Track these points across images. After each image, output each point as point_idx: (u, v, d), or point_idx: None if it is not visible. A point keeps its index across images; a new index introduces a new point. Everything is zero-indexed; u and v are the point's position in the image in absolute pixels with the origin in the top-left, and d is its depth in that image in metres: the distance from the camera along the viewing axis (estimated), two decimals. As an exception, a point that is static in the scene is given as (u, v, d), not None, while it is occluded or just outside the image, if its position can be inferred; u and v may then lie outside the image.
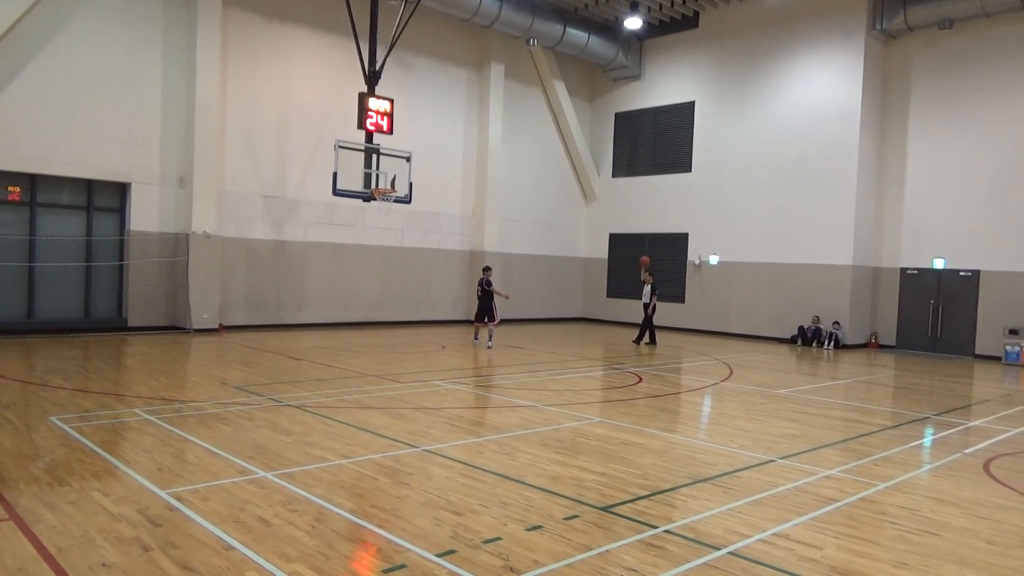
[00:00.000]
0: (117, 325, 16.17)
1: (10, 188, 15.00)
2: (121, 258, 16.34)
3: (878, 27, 19.21)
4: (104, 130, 15.66)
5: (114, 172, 15.92)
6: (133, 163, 16.13)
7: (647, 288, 18.61)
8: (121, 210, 16.40)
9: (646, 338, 18.59)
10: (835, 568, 4.59)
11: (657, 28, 23.32)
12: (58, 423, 7.61)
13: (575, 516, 5.34)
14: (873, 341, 20.09)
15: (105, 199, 16.23)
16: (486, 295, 16.30)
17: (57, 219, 15.62)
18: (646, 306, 18.55)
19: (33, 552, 4.36)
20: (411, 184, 16.80)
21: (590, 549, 4.71)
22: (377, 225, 20.32)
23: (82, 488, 5.57)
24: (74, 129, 15.28)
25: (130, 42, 15.91)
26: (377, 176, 16.41)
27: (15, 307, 15.11)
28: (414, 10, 17.75)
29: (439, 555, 4.52)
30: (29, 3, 14.19)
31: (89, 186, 15.95)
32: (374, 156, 16.45)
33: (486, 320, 16.24)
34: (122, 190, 16.34)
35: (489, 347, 16.05)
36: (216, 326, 16.94)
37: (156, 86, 16.35)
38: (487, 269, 16.86)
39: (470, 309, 22.41)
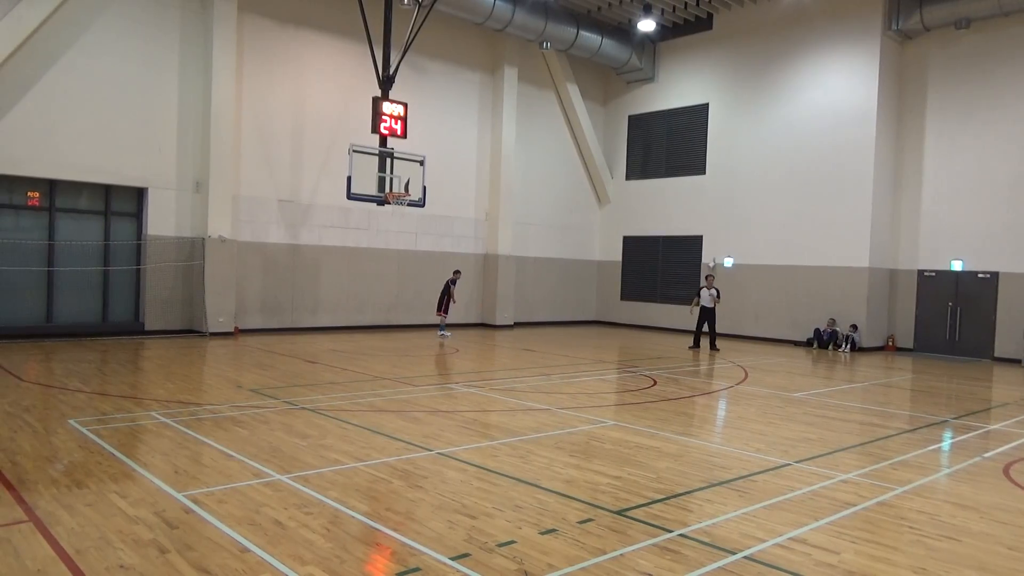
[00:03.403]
0: (134, 329, 16.31)
1: (29, 193, 15.19)
2: (138, 262, 16.49)
3: (894, 27, 19.05)
4: (121, 136, 15.82)
5: (131, 177, 16.08)
6: (150, 168, 16.28)
7: (710, 293, 18.27)
8: (138, 215, 16.55)
9: (692, 341, 18.67)
10: (852, 573, 4.55)
11: (671, 30, 23.26)
12: (76, 426, 7.68)
13: (589, 520, 5.32)
14: (890, 344, 19.90)
15: (122, 204, 16.39)
16: (446, 291, 18.89)
17: (75, 224, 15.78)
18: (712, 310, 18.30)
19: (52, 553, 4.41)
20: (425, 188, 16.86)
21: (604, 553, 4.70)
22: (391, 229, 20.38)
23: (100, 490, 5.61)
24: (92, 135, 15.44)
25: (147, 48, 16.07)
26: (391, 180, 16.48)
27: (34, 311, 15.28)
28: (428, 14, 17.82)
29: (453, 558, 4.52)
30: (48, 11, 14.38)
31: (107, 191, 16.12)
32: (388, 160, 16.53)
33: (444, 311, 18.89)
34: (139, 195, 16.49)
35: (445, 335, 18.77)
36: (232, 329, 17.05)
37: (173, 92, 16.50)
38: (459, 272, 19.30)
39: (484, 312, 22.51)
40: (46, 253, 15.32)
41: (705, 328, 18.42)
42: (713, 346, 18.35)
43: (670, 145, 23.94)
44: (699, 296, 18.51)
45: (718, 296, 18.46)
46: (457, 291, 19.20)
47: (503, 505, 5.59)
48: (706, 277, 18.98)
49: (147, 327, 16.41)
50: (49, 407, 8.63)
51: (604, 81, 25.56)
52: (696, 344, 18.47)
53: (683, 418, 9.61)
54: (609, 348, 18.45)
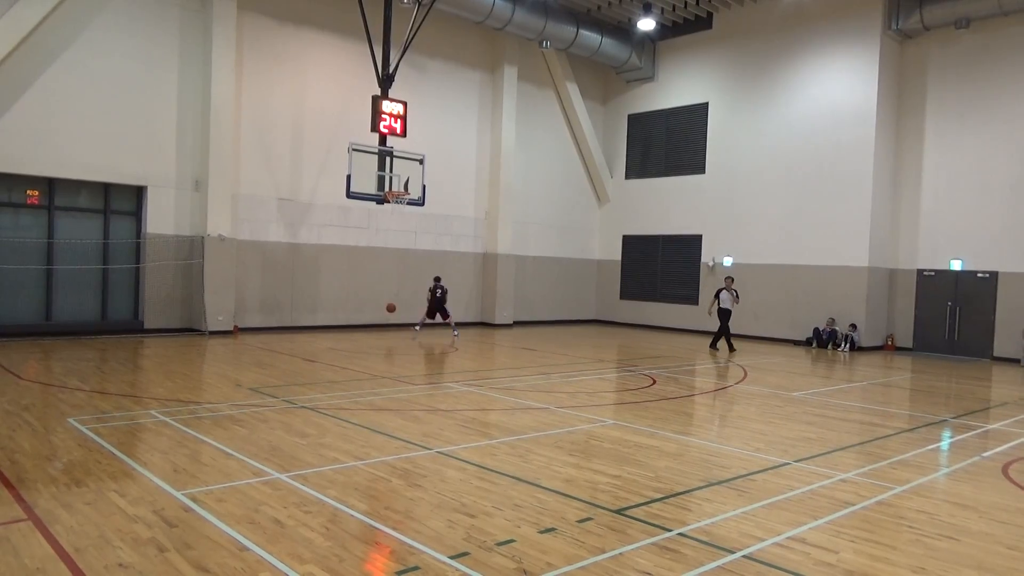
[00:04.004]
0: (133, 327, 16.30)
1: (29, 192, 15.18)
2: (137, 261, 16.48)
3: (894, 27, 19.05)
4: (121, 134, 15.81)
5: (131, 175, 16.06)
6: (149, 167, 16.27)
7: (730, 295, 17.97)
8: (137, 213, 16.54)
9: (715, 341, 18.39)
10: (851, 572, 4.55)
11: (670, 29, 23.25)
12: (75, 424, 7.68)
13: (589, 519, 5.32)
14: (889, 343, 19.91)
15: (122, 202, 16.37)
16: (444, 297, 18.18)
17: (75, 222, 15.77)
18: (729, 312, 18.01)
19: (51, 552, 4.40)
20: (424, 186, 16.86)
21: (604, 552, 4.70)
22: (390, 228, 20.37)
23: (99, 489, 5.61)
24: (91, 133, 15.42)
25: (146, 47, 16.06)
26: (390, 179, 16.47)
27: (34, 309, 15.27)
28: (427, 13, 17.82)
29: (452, 557, 4.52)
30: (47, 9, 14.36)
31: (106, 189, 16.10)
32: (387, 159, 16.52)
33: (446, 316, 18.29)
34: (138, 193, 16.48)
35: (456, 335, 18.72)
36: (231, 328, 17.04)
37: (172, 90, 16.49)
38: (439, 279, 18.67)
39: (484, 311, 22.51)
40: (45, 251, 15.31)
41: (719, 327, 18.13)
42: (713, 345, 18.29)
43: (669, 144, 23.94)
44: (718, 298, 18.13)
45: (737, 297, 18.23)
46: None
47: (502, 504, 5.59)
48: (725, 278, 18.70)
49: (146, 325, 16.41)
50: (48, 405, 8.62)
51: (604, 80, 25.55)
52: (731, 347, 17.95)
53: (682, 417, 9.61)
54: (608, 347, 18.45)
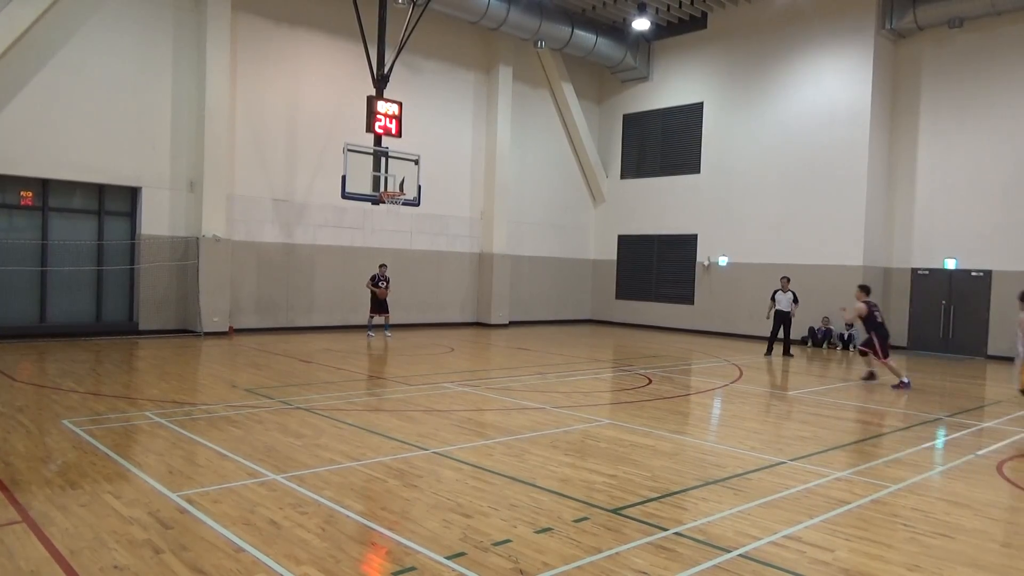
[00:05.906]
0: (128, 329, 16.25)
1: (22, 193, 15.13)
2: (132, 262, 16.43)
3: (888, 26, 19.11)
4: (115, 135, 15.76)
5: (125, 176, 16.02)
6: (144, 167, 16.23)
7: (787, 296, 16.84)
8: (132, 214, 16.49)
9: (787, 348, 17.20)
10: (847, 571, 4.56)
11: (665, 29, 23.28)
12: (70, 426, 7.65)
13: (585, 518, 5.33)
14: (884, 342, 19.93)
15: (116, 203, 16.32)
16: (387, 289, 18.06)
17: (69, 223, 15.72)
18: (788, 314, 16.89)
19: (46, 554, 4.39)
20: (420, 187, 16.84)
21: (600, 551, 4.70)
22: (386, 228, 20.35)
23: (94, 491, 5.60)
24: (85, 134, 15.38)
25: (140, 47, 16.01)
26: (386, 179, 16.45)
27: (28, 311, 15.21)
28: (422, 13, 17.80)
29: (449, 557, 4.52)
30: (41, 9, 14.31)
31: (100, 190, 16.05)
32: (383, 159, 16.50)
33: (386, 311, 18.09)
34: (133, 194, 16.44)
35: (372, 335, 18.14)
36: (226, 329, 17.01)
37: (166, 91, 16.45)
38: (385, 267, 18.37)
39: (479, 311, 22.50)
40: (39, 253, 15.25)
41: (780, 333, 17.09)
42: (787, 352, 17.13)
43: (665, 144, 23.97)
44: (773, 301, 17.11)
45: (795, 299, 16.89)
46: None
47: (498, 504, 5.59)
48: (781, 279, 17.59)
49: (141, 327, 16.36)
50: (43, 407, 8.59)
51: (599, 80, 25.57)
52: (770, 352, 17.18)
53: (678, 416, 9.62)
54: (604, 347, 18.46)
